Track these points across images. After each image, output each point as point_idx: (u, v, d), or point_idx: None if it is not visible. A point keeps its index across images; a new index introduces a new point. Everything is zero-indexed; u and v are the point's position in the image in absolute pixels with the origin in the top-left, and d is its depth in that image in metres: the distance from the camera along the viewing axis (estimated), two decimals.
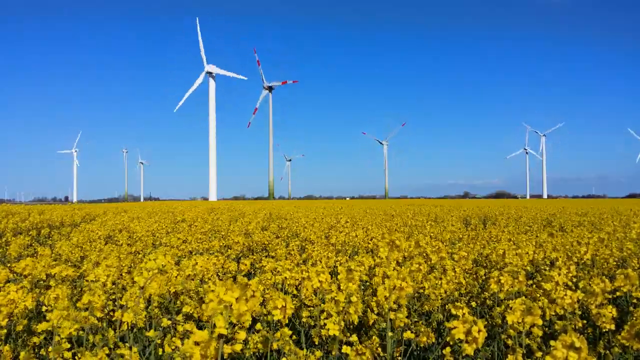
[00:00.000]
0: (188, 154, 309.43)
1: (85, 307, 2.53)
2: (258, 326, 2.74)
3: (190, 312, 3.00)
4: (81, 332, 2.49)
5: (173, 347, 2.41)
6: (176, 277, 3.43)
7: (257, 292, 1.37)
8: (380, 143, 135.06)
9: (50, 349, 2.34)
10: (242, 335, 1.32)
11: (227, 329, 1.32)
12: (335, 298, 2.17)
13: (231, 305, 1.32)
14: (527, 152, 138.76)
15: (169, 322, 2.94)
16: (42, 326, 2.28)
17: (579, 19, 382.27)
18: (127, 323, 2.49)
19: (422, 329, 2.62)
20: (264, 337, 2.36)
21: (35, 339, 2.72)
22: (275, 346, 2.29)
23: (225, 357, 2.69)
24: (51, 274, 3.51)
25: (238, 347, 1.35)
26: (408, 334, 2.40)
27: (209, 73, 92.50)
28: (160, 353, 2.79)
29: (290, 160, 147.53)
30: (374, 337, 2.32)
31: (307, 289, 2.51)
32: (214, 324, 1.30)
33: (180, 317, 3.04)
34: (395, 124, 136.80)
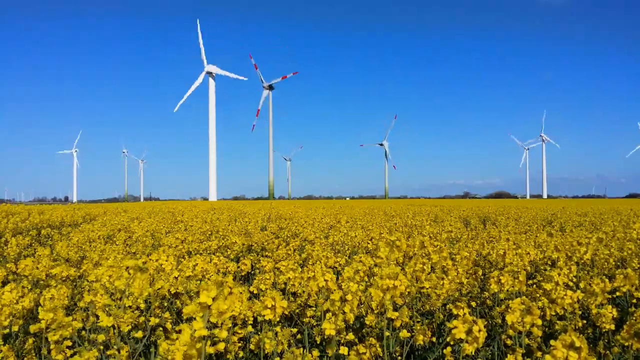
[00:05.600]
0: (188, 154, 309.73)
1: (86, 307, 2.52)
2: (249, 328, 2.74)
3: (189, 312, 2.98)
4: (83, 332, 2.49)
5: (164, 347, 2.40)
6: (176, 277, 3.43)
7: (234, 289, 1.37)
8: (380, 145, 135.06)
9: (52, 346, 2.34)
10: (223, 334, 1.32)
11: (208, 328, 1.32)
12: (331, 297, 2.16)
13: (209, 306, 1.32)
14: (527, 150, 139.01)
15: (157, 321, 2.93)
16: (33, 327, 2.29)
17: (579, 19, 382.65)
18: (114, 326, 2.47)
19: (418, 327, 2.61)
20: (258, 337, 2.36)
21: (31, 340, 2.72)
22: (268, 346, 2.28)
23: (223, 357, 2.69)
24: (51, 274, 3.51)
25: (221, 347, 1.35)
26: (404, 333, 2.39)
27: (209, 73, 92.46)
28: (153, 352, 2.79)
29: (290, 160, 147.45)
30: (371, 337, 2.32)
31: (311, 289, 2.51)
32: (193, 326, 1.30)
33: (167, 315, 3.03)
34: (395, 124, 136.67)
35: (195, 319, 1.33)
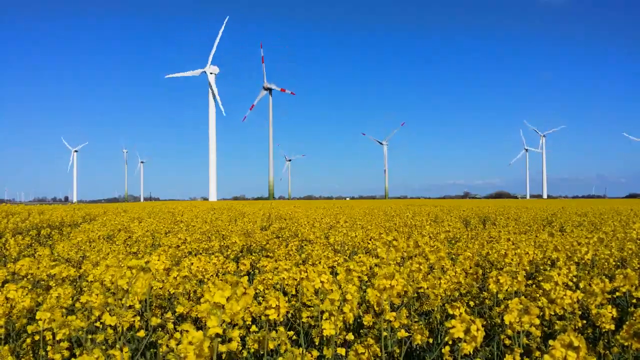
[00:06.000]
0: (188, 154, 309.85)
1: (85, 307, 2.52)
2: (253, 328, 2.74)
3: (185, 312, 2.99)
4: (81, 332, 2.49)
5: (169, 347, 2.41)
6: (175, 277, 3.43)
7: (248, 290, 1.38)
8: (380, 143, 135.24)
9: (49, 348, 2.34)
10: (236, 333, 1.32)
11: (220, 328, 1.32)
12: (330, 297, 2.17)
13: (223, 305, 1.32)
14: (527, 151, 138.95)
15: (159, 321, 2.93)
16: (30, 328, 2.29)
17: (579, 20, 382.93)
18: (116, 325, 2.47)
19: (416, 327, 2.61)
20: (260, 337, 2.36)
21: (28, 339, 2.71)
22: (271, 346, 2.29)
23: (223, 357, 2.69)
24: (51, 274, 3.51)
25: (234, 346, 1.35)
26: (402, 333, 2.40)
27: (208, 73, 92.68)
28: (153, 352, 2.79)
29: (290, 160, 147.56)
30: (369, 337, 2.32)
31: (307, 289, 2.51)
32: (207, 325, 1.30)
33: (169, 315, 3.03)
34: (395, 124, 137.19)
35: (198, 318, 1.33)
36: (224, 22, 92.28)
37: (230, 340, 1.40)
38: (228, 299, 1.36)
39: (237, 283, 1.39)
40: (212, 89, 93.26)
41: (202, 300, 1.34)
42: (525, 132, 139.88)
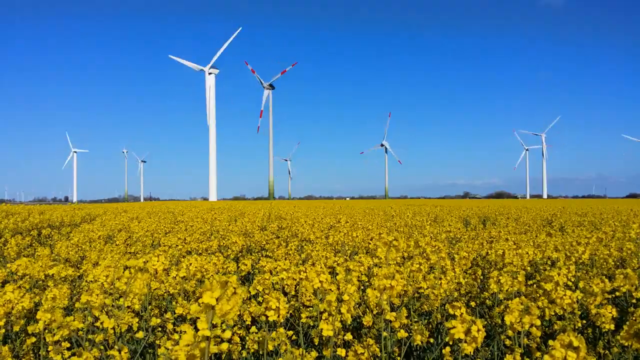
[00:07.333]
0: (188, 154, 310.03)
1: (84, 307, 2.52)
2: (253, 329, 2.74)
3: (185, 312, 2.98)
4: (80, 332, 2.49)
5: (166, 348, 2.41)
6: (175, 277, 3.43)
7: (238, 289, 1.36)
8: (381, 146, 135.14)
9: (50, 348, 2.33)
10: (227, 334, 1.31)
11: (210, 329, 1.32)
12: (327, 298, 2.16)
13: (214, 306, 1.31)
14: (527, 150, 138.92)
15: (158, 321, 2.92)
16: (31, 328, 2.28)
17: (579, 20, 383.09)
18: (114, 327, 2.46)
19: (416, 327, 2.61)
20: (260, 338, 2.35)
21: (29, 340, 2.71)
22: (271, 347, 2.28)
23: (223, 357, 2.69)
24: (50, 274, 3.50)
25: (224, 347, 1.34)
26: (402, 333, 2.39)
27: (207, 72, 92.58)
28: (152, 353, 2.78)
29: (289, 160, 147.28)
30: (369, 337, 2.31)
31: (305, 289, 2.50)
32: (197, 326, 1.30)
33: (169, 315, 3.03)
34: (396, 124, 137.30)
35: (197, 319, 1.32)
36: (237, 31, 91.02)
37: (223, 341, 1.40)
38: (218, 300, 1.35)
39: (226, 283, 1.38)
40: (209, 91, 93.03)
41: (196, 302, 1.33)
42: (522, 135, 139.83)
